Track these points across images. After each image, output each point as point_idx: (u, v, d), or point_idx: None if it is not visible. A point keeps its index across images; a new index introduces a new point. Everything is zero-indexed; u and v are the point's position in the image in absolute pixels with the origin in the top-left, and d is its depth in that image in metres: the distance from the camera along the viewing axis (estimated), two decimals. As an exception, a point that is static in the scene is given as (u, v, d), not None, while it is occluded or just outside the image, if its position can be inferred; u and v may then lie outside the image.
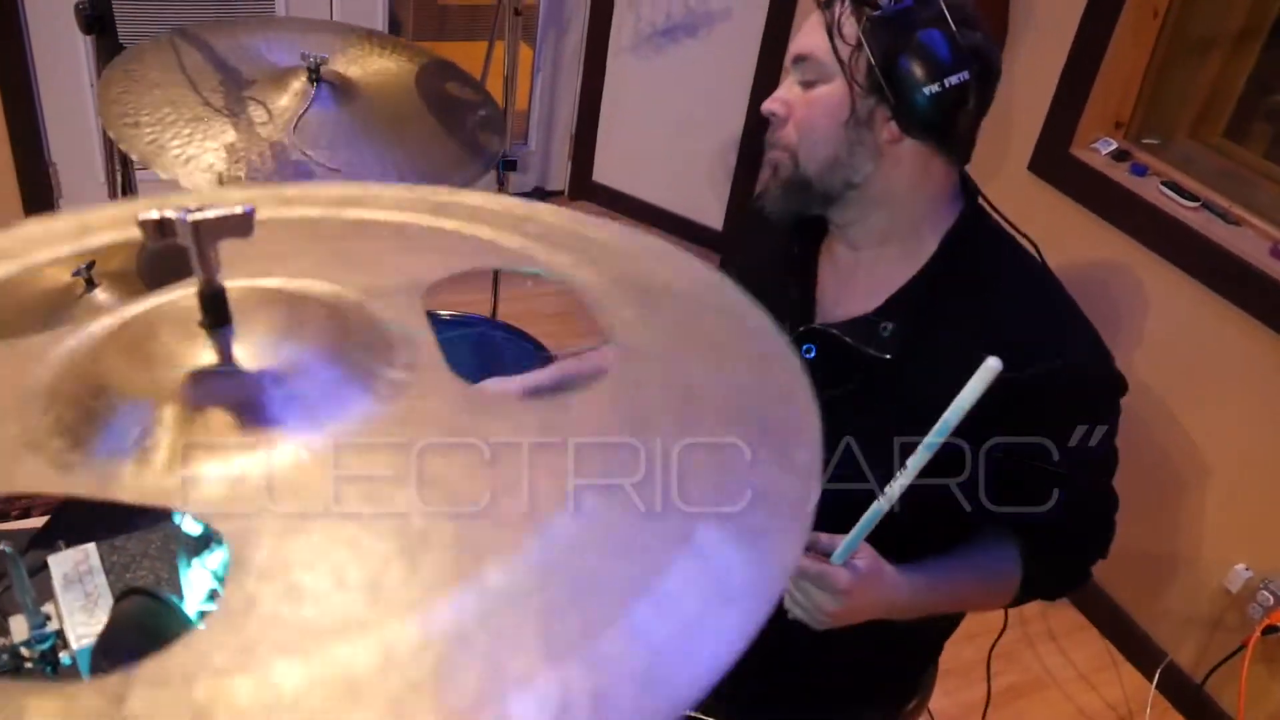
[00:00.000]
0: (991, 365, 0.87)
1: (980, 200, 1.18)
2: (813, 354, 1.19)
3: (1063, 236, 2.36)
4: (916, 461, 0.95)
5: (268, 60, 1.62)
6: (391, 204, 0.64)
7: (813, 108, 1.11)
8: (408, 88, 1.69)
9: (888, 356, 1.12)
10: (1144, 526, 2.35)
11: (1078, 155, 2.41)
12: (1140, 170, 2.33)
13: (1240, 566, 2.17)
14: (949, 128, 1.08)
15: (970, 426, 1.11)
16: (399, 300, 0.53)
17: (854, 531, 1.03)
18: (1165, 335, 2.28)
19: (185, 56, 1.58)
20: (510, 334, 1.77)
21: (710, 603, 0.39)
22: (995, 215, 1.20)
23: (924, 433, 1.14)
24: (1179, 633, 2.31)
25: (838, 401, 1.09)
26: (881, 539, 1.10)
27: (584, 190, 3.61)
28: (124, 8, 1.72)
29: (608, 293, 0.56)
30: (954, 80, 1.05)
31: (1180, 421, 2.26)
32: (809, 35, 1.11)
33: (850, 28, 1.07)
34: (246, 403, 0.44)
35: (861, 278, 1.19)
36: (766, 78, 3.11)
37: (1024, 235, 1.19)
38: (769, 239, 1.29)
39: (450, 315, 1.82)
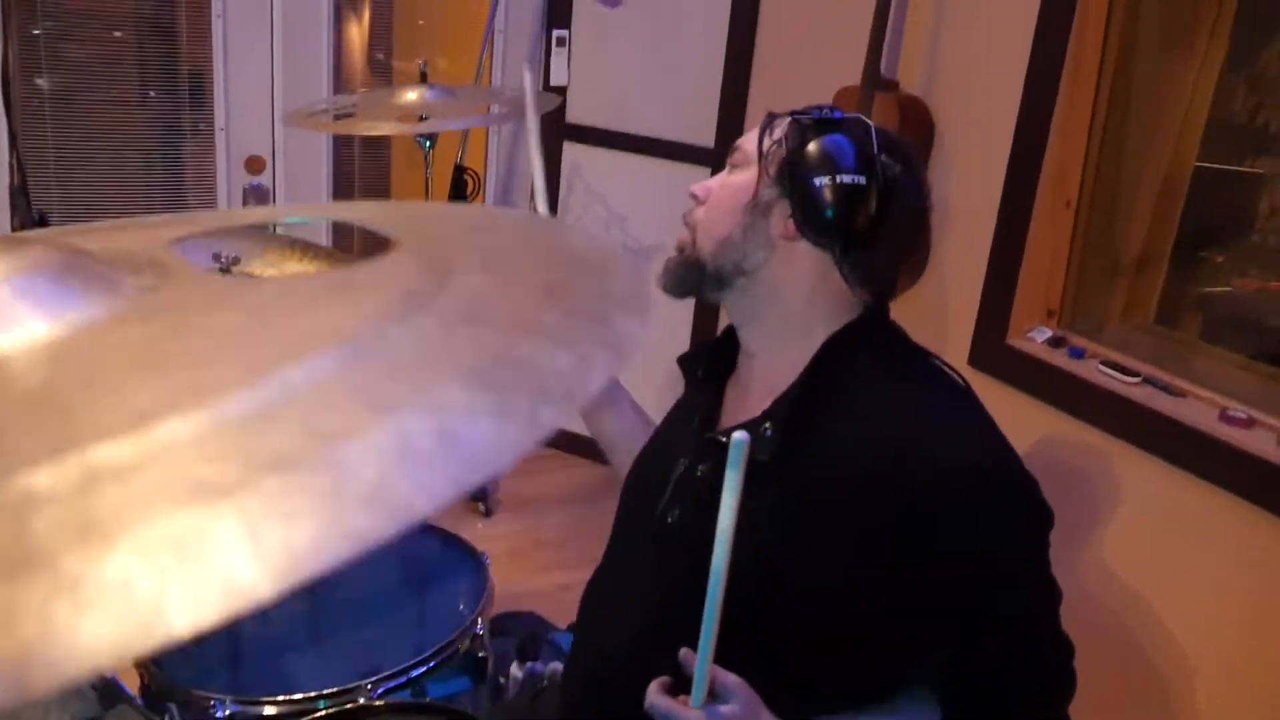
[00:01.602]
0: (738, 438, 0.84)
1: (892, 323, 1.16)
2: (703, 474, 1.12)
3: (1010, 426, 2.29)
4: (717, 563, 0.88)
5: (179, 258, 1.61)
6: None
7: (724, 189, 1.15)
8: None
9: (764, 459, 1.04)
10: (1142, 726, 2.18)
11: (1014, 345, 2.41)
12: (1078, 353, 2.33)
13: (1251, 760, 1.99)
14: (838, 231, 1.07)
15: (866, 557, 1.01)
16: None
17: (698, 659, 0.93)
18: (1126, 516, 2.20)
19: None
20: (433, 534, 1.67)
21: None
22: (912, 342, 1.17)
23: (805, 539, 1.05)
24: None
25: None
26: (778, 686, 0.99)
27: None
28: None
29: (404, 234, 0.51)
30: (847, 179, 1.04)
31: (1155, 609, 2.14)
32: (746, 135, 1.17)
33: (780, 130, 1.12)
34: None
35: (756, 385, 1.16)
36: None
37: (944, 362, 1.15)
38: (689, 383, 1.26)
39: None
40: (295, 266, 1.72)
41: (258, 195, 3.05)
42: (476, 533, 3.15)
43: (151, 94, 3.45)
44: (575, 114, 3.29)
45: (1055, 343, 2.38)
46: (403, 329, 0.41)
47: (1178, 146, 2.38)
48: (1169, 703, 2.12)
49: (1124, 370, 2.23)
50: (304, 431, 0.34)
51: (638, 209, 3.24)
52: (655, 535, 1.17)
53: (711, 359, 1.23)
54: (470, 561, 1.61)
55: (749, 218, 1.12)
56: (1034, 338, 2.41)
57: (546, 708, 1.36)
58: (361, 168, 3.60)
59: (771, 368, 1.15)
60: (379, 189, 3.70)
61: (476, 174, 3.00)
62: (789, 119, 1.13)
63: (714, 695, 0.96)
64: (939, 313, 2.56)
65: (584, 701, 1.23)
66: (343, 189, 3.43)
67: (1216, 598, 2.05)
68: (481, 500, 3.26)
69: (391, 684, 1.33)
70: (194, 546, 0.28)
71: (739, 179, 1.15)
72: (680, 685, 0.98)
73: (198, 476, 0.31)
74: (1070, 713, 2.26)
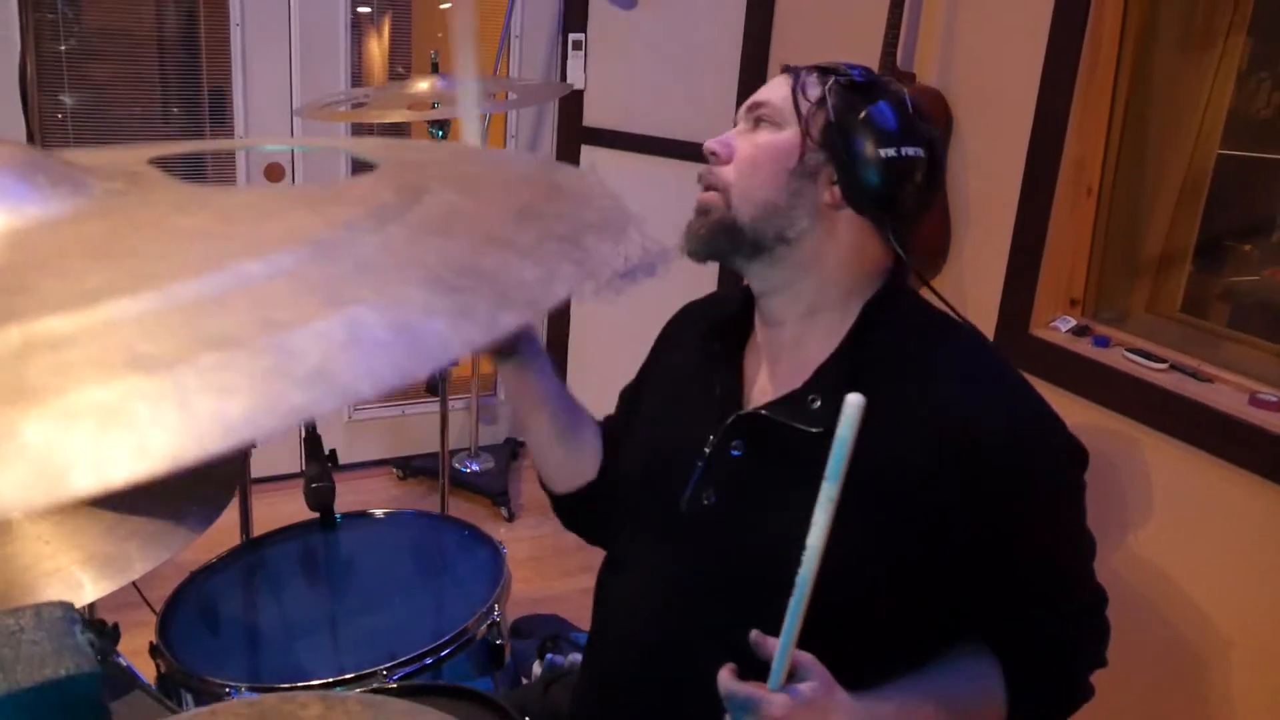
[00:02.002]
0: (853, 400, 0.81)
1: (911, 279, 1.14)
2: (740, 453, 1.10)
3: (1037, 417, 2.29)
4: (818, 529, 0.84)
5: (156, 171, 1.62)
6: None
7: (760, 149, 1.09)
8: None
9: (818, 430, 1.02)
10: (1175, 717, 2.13)
11: (1038, 334, 2.38)
12: (1103, 342, 2.30)
13: (1290, 749, 1.94)
14: (890, 204, 1.05)
15: (917, 516, 1.00)
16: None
17: (781, 641, 0.91)
18: (1157, 503, 2.16)
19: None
20: (449, 524, 1.66)
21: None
22: (933, 297, 1.15)
23: (861, 508, 1.03)
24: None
25: (773, 490, 0.99)
26: (835, 659, 0.96)
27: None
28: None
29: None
30: (907, 152, 1.03)
31: (1189, 594, 2.10)
32: (770, 89, 1.11)
33: (814, 89, 1.08)
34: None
35: (786, 357, 1.12)
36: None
37: (961, 317, 1.14)
38: (692, 342, 1.23)
39: (384, 513, 1.72)
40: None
41: (278, 203, 3.06)
42: (499, 536, 3.13)
43: (174, 110, 3.49)
44: (592, 116, 3.30)
45: (1079, 332, 2.35)
46: (370, 236, 0.41)
47: (1200, 134, 2.34)
48: (1202, 688, 2.08)
49: (1150, 357, 2.20)
50: (253, 318, 0.33)
51: (655, 210, 3.19)
52: (683, 517, 1.13)
53: (726, 327, 1.20)
54: (488, 551, 1.60)
55: (795, 182, 1.07)
56: (1058, 327, 2.38)
57: (560, 696, 1.35)
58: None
59: (805, 338, 1.11)
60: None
61: (495, 178, 3.01)
62: (818, 75, 1.08)
63: (790, 675, 0.94)
64: (960, 303, 2.52)
65: (604, 693, 1.21)
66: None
67: (1248, 582, 2.01)
68: (504, 505, 3.26)
69: (408, 670, 1.33)
70: (120, 413, 0.27)
71: (779, 139, 1.08)
72: (749, 670, 0.95)
73: (137, 351, 0.30)
74: (1102, 699, 2.22)
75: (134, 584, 1.86)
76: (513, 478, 3.46)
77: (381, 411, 3.51)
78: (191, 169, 3.21)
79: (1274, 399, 1.99)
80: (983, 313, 2.46)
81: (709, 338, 1.20)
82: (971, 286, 2.49)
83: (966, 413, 1.01)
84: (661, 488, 1.17)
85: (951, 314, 1.12)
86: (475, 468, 3.31)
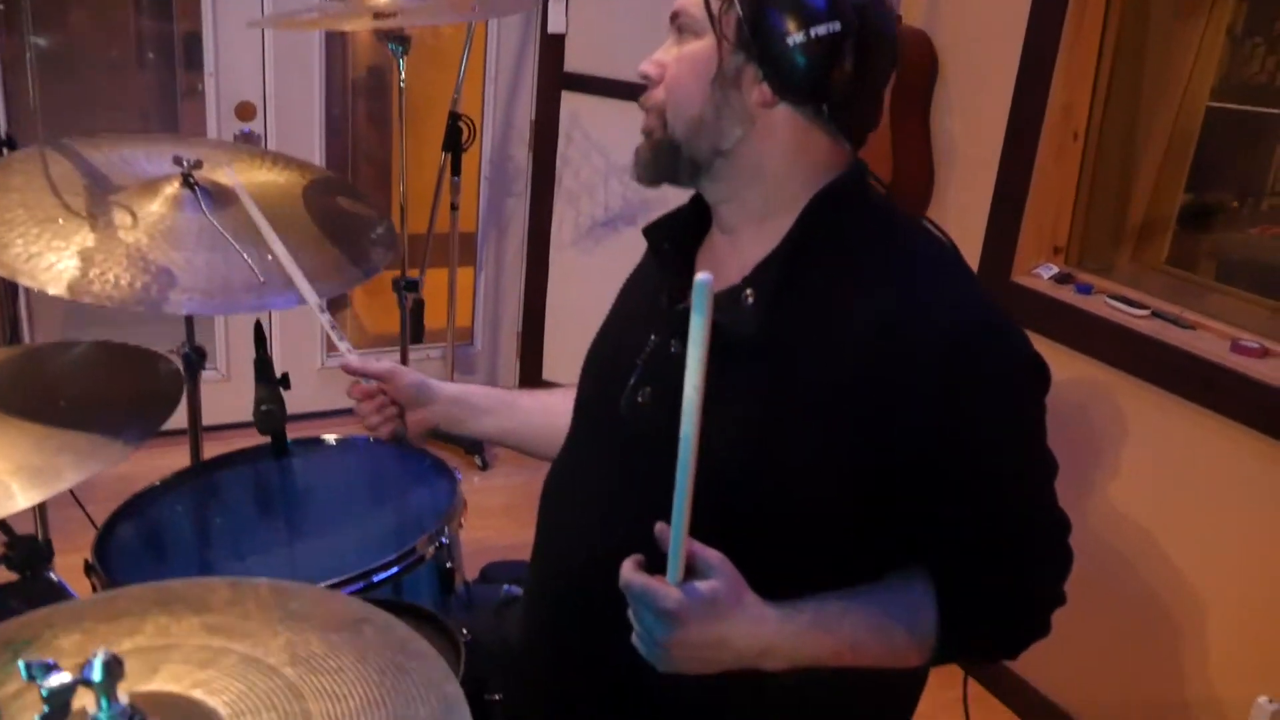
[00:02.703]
0: (701, 279, 0.77)
1: (873, 184, 1.08)
2: (677, 350, 1.05)
3: (1016, 365, 2.24)
4: (686, 428, 0.81)
5: (145, 170, 1.57)
6: None
7: (681, 64, 1.03)
8: (293, 198, 1.62)
9: (749, 330, 0.98)
10: (1148, 676, 2.10)
11: (1020, 282, 2.33)
12: (1085, 289, 2.25)
13: (1264, 699, 1.89)
14: (822, 89, 0.99)
15: (856, 423, 0.95)
16: None
17: (672, 533, 0.86)
18: (1138, 454, 2.12)
19: (53, 164, 1.52)
20: (415, 456, 1.61)
21: None
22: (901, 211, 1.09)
23: (794, 414, 0.98)
24: (1210, 792, 2.01)
25: (706, 390, 0.94)
26: (764, 571, 0.92)
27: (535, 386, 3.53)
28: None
29: None
30: (822, 30, 0.96)
31: (1166, 549, 2.06)
32: None
33: None
34: None
35: (733, 259, 1.06)
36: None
37: (934, 225, 1.08)
38: (649, 261, 1.18)
39: (337, 439, 1.67)
40: (264, 175, 1.66)
41: (248, 142, 2.99)
42: (473, 486, 3.09)
43: (150, 55, 3.42)
44: (573, 62, 3.23)
45: (1062, 279, 2.30)
46: None
47: (1190, 84, 2.29)
48: (1177, 638, 2.05)
49: (1133, 304, 2.15)
50: None
51: (638, 158, 3.17)
52: (622, 419, 1.08)
53: (679, 230, 1.14)
54: (441, 477, 1.55)
55: (719, 92, 1.02)
56: (1040, 274, 2.33)
57: (510, 620, 1.30)
58: (355, 110, 3.56)
59: (756, 241, 1.05)
60: (378, 139, 3.65)
61: (473, 121, 2.94)
62: None
63: (695, 572, 0.90)
64: (941, 250, 2.48)
65: (546, 600, 1.17)
66: (336, 134, 3.38)
67: (1226, 532, 1.97)
68: (479, 454, 3.21)
69: (353, 588, 1.28)
70: None
71: (695, 50, 1.03)
72: (657, 565, 0.90)
73: None
74: (1078, 650, 2.19)
75: (81, 506, 1.82)
76: (488, 429, 3.41)
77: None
78: (165, 115, 3.15)
79: (1256, 345, 1.95)
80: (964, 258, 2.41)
81: (659, 238, 1.14)
82: (954, 231, 2.40)
83: (911, 316, 0.95)
84: (603, 390, 1.12)
85: (928, 224, 1.07)
86: (450, 418, 3.27)
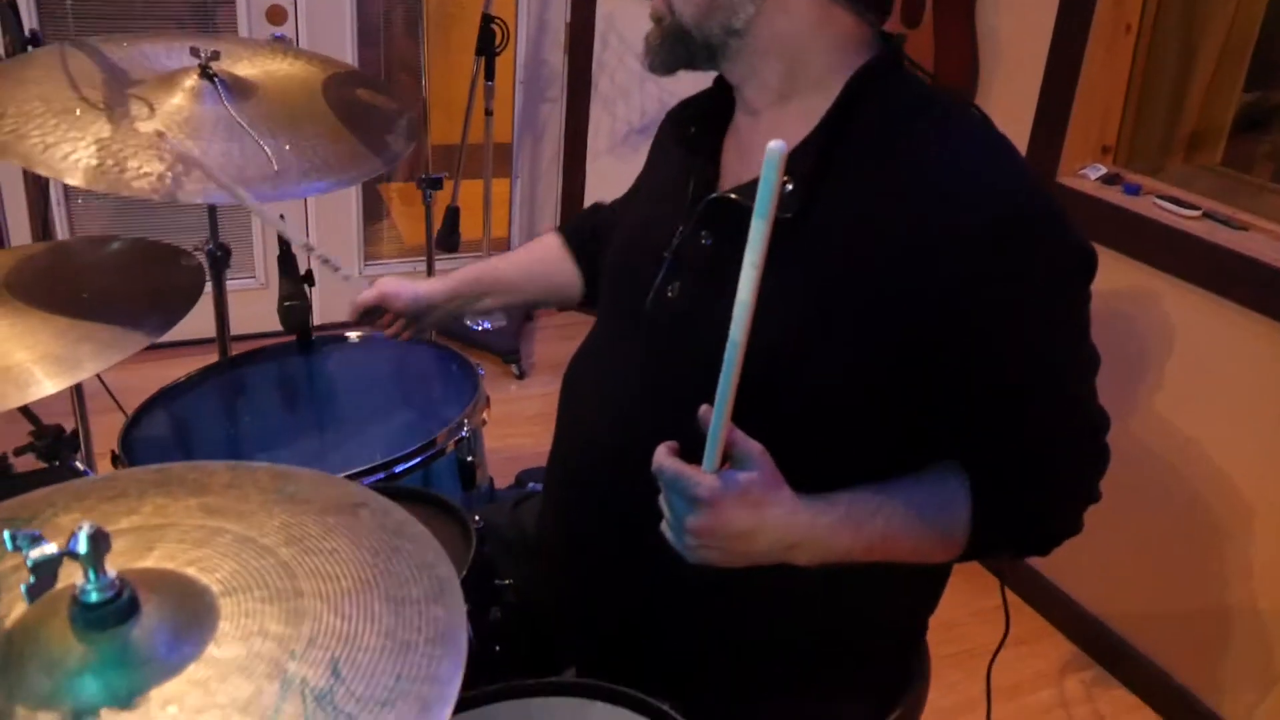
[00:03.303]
0: (773, 147, 0.72)
1: (910, 66, 1.03)
2: (709, 242, 1.01)
3: (1060, 269, 2.17)
4: (745, 287, 0.77)
5: (164, 65, 1.54)
6: None
7: None
8: (312, 91, 1.59)
9: (787, 215, 0.94)
10: (1187, 586, 2.06)
11: (1066, 183, 2.25)
12: (1133, 189, 2.17)
13: (1304, 608, 1.88)
14: None
15: (893, 305, 0.92)
16: None
17: (714, 418, 0.83)
18: (1185, 360, 2.05)
19: (72, 60, 1.50)
20: (426, 348, 1.61)
21: None
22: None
23: (834, 298, 0.95)
24: (1246, 702, 1.98)
25: (737, 274, 0.93)
26: (798, 462, 0.90)
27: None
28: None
29: None
30: None
31: (1213, 457, 2.01)
32: None
33: None
34: None
35: (759, 137, 1.02)
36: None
37: (966, 101, 1.03)
38: (674, 135, 1.14)
39: (359, 335, 1.66)
40: (285, 68, 1.64)
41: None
42: (509, 394, 3.10)
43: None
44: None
45: (1110, 180, 2.21)
46: None
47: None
48: (1220, 547, 2.01)
49: (1183, 205, 2.07)
50: None
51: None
52: (650, 314, 1.05)
53: (705, 114, 1.10)
54: (465, 372, 1.55)
55: None
56: (1087, 175, 2.24)
57: (528, 513, 1.30)
58: (390, 19, 3.49)
59: (782, 123, 1.00)
60: (412, 48, 3.59)
61: (505, 24, 2.87)
62: None
63: (733, 462, 0.88)
64: (985, 150, 2.40)
65: (568, 491, 1.16)
66: (369, 43, 3.33)
67: (1276, 437, 1.91)
68: (515, 363, 3.21)
69: (370, 479, 1.28)
70: None
71: None
72: (688, 455, 0.88)
73: None
74: (1117, 560, 2.16)
75: (119, 405, 1.85)
76: (525, 338, 3.40)
77: (395, 267, 3.46)
78: (199, 21, 3.11)
79: (1313, 247, 1.87)
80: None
81: (684, 124, 1.10)
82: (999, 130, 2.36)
83: (951, 195, 0.91)
84: (630, 284, 1.09)
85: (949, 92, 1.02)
86: (487, 326, 3.26)
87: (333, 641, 0.65)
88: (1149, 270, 2.08)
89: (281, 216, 1.45)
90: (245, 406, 1.55)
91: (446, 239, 3.05)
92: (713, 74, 1.09)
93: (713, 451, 0.84)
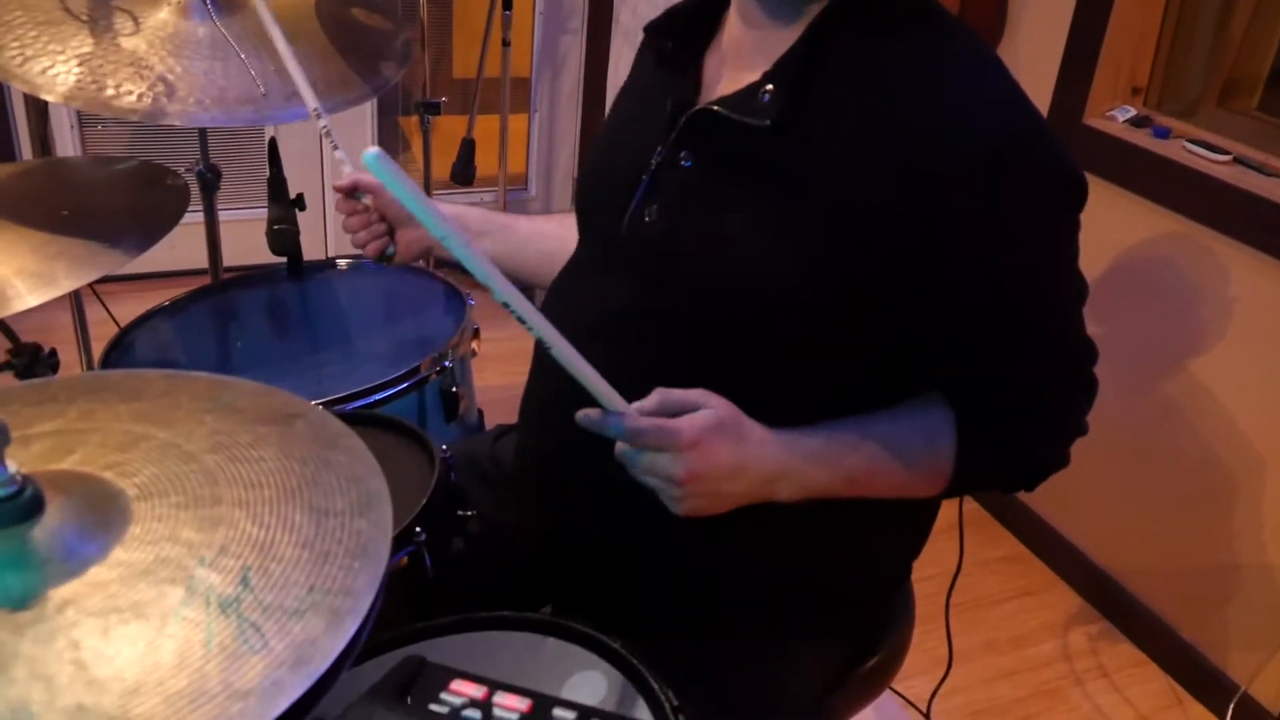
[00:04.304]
0: (370, 154, 0.68)
1: None
2: (690, 163, 0.97)
3: (1085, 215, 2.10)
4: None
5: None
6: None
7: None
8: (304, 7, 1.55)
9: (766, 123, 0.89)
10: (1197, 541, 2.01)
11: (1093, 125, 2.17)
12: (1163, 133, 2.08)
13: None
14: None
15: (876, 232, 0.87)
16: None
17: (578, 376, 0.87)
18: (1209, 309, 1.98)
19: (57, -30, 1.46)
20: (417, 275, 1.58)
21: None
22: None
23: (817, 224, 0.91)
24: (1253, 660, 1.94)
25: (722, 203, 0.89)
26: (782, 397, 0.89)
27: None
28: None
29: None
30: None
31: (1232, 411, 1.95)
32: None
33: None
34: None
35: (749, 52, 0.97)
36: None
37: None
38: (653, 50, 1.09)
39: (348, 263, 1.63)
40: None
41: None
42: (514, 331, 3.06)
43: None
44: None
45: (1139, 123, 2.13)
46: None
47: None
48: (1232, 502, 1.96)
49: (1213, 149, 1.99)
50: None
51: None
52: (628, 239, 1.01)
53: (685, 27, 1.04)
54: (454, 302, 1.51)
55: None
56: (1115, 117, 2.16)
57: (507, 447, 1.27)
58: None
59: (769, 35, 0.95)
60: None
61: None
62: None
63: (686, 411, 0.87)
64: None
65: (542, 420, 1.12)
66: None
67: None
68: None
69: (350, 406, 1.25)
70: None
71: None
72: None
73: None
74: (1126, 512, 2.11)
75: (117, 323, 1.84)
76: (540, 277, 3.37)
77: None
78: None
79: (1347, 194, 1.79)
80: (1034, 99, 2.25)
81: (662, 37, 1.05)
82: (1024, 70, 2.27)
83: (938, 120, 0.86)
84: (604, 210, 1.05)
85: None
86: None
87: (246, 550, 0.62)
88: (1177, 217, 2.01)
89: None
90: (232, 331, 1.53)
91: (461, 172, 2.99)
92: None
93: (610, 395, 0.85)
